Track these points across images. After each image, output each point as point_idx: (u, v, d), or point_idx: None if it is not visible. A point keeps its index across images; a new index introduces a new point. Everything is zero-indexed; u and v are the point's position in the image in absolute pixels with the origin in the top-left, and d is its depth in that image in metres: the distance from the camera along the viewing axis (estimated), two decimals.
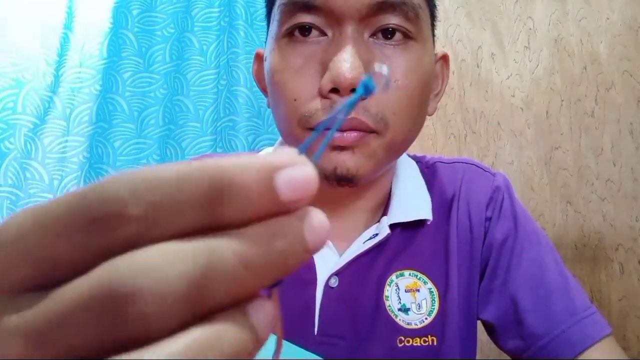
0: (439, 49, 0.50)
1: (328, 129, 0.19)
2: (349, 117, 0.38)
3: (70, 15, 1.18)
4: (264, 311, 0.14)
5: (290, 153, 0.15)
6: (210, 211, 0.13)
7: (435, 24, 0.47)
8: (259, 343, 0.14)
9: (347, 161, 0.40)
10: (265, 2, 0.47)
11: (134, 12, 1.24)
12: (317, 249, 0.15)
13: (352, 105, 0.18)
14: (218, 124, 1.28)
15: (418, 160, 0.56)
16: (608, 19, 0.71)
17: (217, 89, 1.29)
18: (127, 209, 0.13)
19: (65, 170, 1.14)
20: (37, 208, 0.13)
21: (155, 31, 1.26)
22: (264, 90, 0.47)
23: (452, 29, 1.11)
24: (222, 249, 0.13)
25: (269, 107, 0.45)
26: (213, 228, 0.14)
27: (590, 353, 0.43)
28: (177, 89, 1.27)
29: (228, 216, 0.14)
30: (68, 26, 1.17)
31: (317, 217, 0.15)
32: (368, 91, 0.18)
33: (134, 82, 1.23)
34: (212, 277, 0.13)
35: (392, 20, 0.40)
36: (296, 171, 0.14)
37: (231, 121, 1.28)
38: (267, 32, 0.46)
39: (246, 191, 0.14)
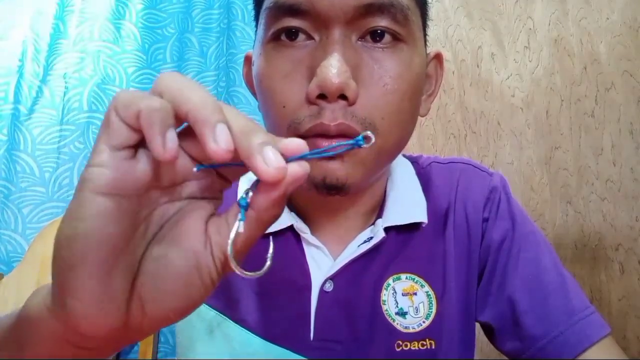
0: (439, 49, 0.50)
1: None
2: (336, 122, 0.38)
3: (62, 3, 1.16)
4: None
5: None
6: None
7: (427, 24, 0.46)
8: None
9: (336, 170, 0.39)
10: (253, 4, 0.46)
11: (138, 7, 1.23)
12: (267, 172, 0.21)
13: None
14: None
15: (414, 160, 0.55)
16: (608, 19, 0.71)
17: (217, 91, 1.28)
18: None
19: (57, 162, 1.12)
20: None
21: (156, 29, 1.25)
22: (254, 94, 0.46)
23: (452, 29, 1.10)
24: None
25: (260, 110, 0.45)
26: None
27: (590, 353, 0.43)
28: None
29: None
30: (60, 16, 1.16)
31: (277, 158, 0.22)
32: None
33: (138, 78, 1.22)
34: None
35: (380, 22, 0.39)
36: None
37: None
38: (255, 35, 0.45)
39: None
